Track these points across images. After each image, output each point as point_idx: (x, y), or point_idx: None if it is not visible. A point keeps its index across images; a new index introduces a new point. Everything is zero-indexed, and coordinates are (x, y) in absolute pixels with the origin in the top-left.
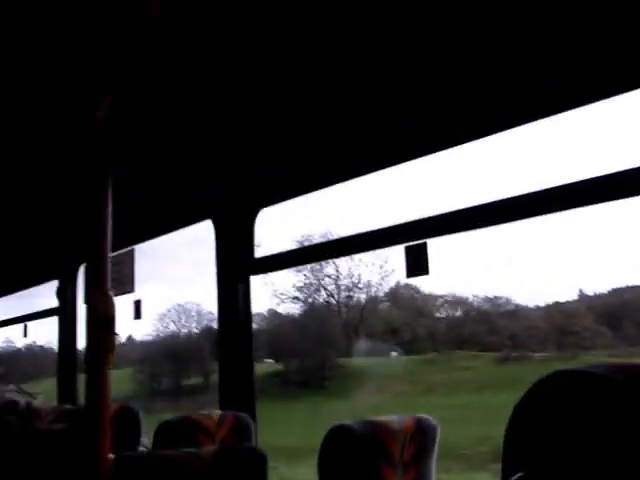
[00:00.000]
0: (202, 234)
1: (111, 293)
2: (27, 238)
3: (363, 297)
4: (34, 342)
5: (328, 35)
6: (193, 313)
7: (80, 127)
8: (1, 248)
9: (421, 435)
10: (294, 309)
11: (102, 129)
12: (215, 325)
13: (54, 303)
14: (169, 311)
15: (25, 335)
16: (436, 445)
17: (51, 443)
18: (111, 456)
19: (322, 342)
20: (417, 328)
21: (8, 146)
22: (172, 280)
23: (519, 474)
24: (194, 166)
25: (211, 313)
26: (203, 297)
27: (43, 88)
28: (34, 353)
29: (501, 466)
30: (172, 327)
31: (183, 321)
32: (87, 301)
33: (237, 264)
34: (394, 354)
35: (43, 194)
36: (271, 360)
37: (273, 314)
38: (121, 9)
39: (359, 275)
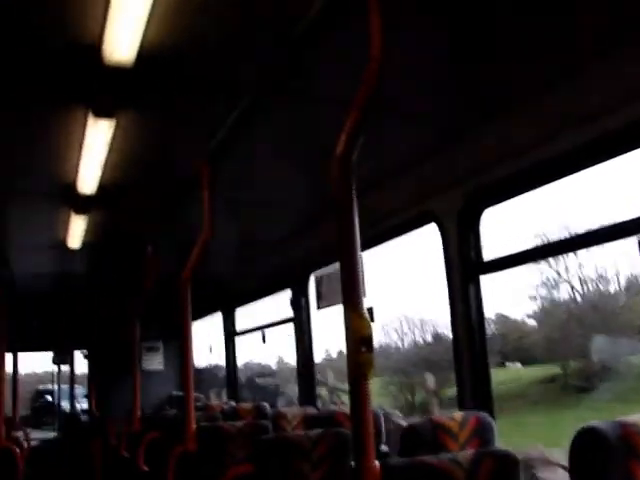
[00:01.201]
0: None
1: (366, 314)
2: (267, 253)
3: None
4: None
5: None
6: (416, 321)
7: None
8: (245, 262)
9: None
10: (530, 309)
11: None
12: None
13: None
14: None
15: (264, 341)
16: None
17: (304, 448)
18: (377, 463)
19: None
20: None
21: None
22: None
23: None
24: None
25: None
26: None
27: None
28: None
29: None
30: (394, 336)
31: (406, 330)
32: (345, 321)
33: (466, 265)
34: None
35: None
36: (515, 364)
37: (500, 317)
38: None
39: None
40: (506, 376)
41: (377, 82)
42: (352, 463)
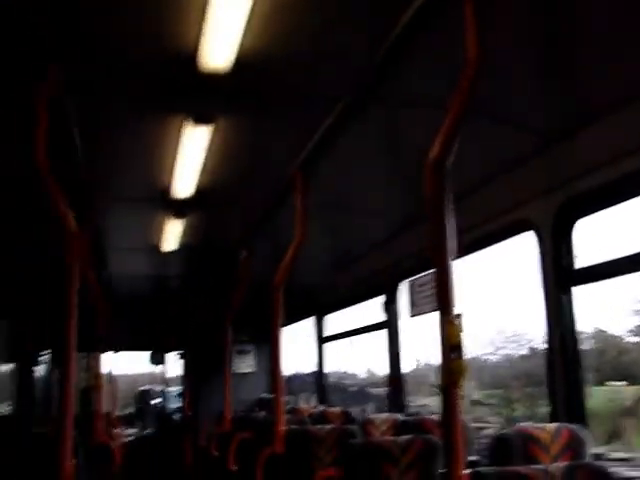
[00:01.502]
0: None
1: (457, 322)
2: (359, 259)
3: None
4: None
5: None
6: (509, 334)
7: None
8: (337, 269)
9: None
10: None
11: None
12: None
13: None
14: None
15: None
16: None
17: (393, 454)
18: (466, 472)
19: None
20: None
21: None
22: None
23: None
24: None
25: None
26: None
27: None
28: None
29: None
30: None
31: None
32: (441, 329)
33: (560, 275)
34: None
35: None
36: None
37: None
38: None
39: None
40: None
41: (473, 85)
42: (441, 471)
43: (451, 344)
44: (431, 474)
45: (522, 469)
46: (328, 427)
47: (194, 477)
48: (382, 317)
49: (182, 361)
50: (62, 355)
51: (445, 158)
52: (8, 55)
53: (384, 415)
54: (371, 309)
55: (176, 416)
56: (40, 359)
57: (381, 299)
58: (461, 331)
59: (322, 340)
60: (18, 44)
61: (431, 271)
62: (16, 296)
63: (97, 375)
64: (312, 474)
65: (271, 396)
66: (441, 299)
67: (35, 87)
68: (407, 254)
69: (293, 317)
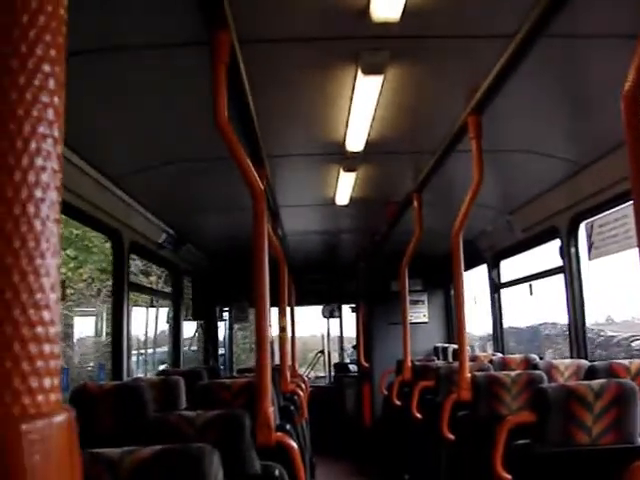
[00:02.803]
0: None
1: None
2: (532, 202)
3: None
4: None
5: None
6: None
7: None
8: (511, 213)
9: None
10: None
11: None
12: None
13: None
14: None
15: (531, 294)
16: None
17: (587, 399)
18: None
19: None
20: None
21: None
22: None
23: None
24: None
25: None
26: None
27: None
28: None
29: None
30: None
31: None
32: None
33: None
34: None
35: (553, 160)
36: None
37: None
38: None
39: None
40: None
41: None
42: None
43: None
44: (627, 419)
45: None
46: (514, 373)
47: (378, 425)
48: (560, 261)
49: (354, 314)
50: (256, 311)
51: None
52: (186, 22)
53: (567, 361)
54: (549, 254)
55: (352, 367)
56: (223, 316)
57: (558, 242)
58: None
59: (497, 287)
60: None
61: (614, 210)
62: (203, 258)
63: (282, 328)
64: (501, 420)
65: (446, 345)
66: None
67: (215, 47)
68: (585, 195)
69: (467, 264)
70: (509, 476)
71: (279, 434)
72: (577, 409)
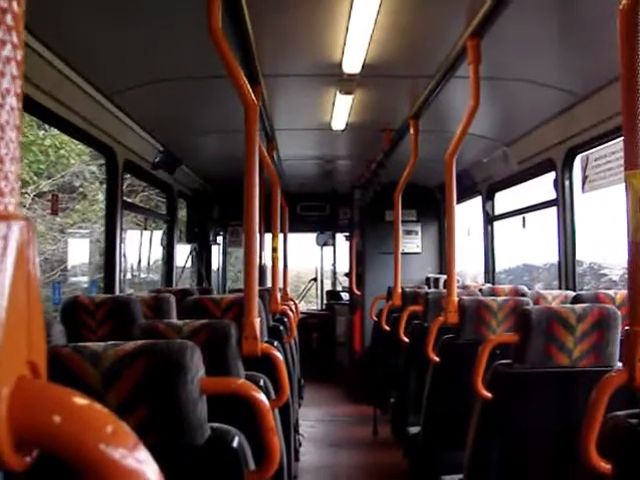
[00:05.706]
0: None
1: None
2: (528, 133)
3: None
4: None
5: None
6: None
7: None
8: (507, 144)
9: None
10: None
11: None
12: None
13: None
14: None
15: (524, 226)
16: None
17: (569, 321)
18: None
19: None
20: None
21: None
22: None
23: None
24: None
25: None
26: None
27: None
28: None
29: None
30: None
31: None
32: (628, 186)
33: None
34: None
35: (550, 90)
36: None
37: None
38: None
39: None
40: None
41: None
42: (627, 328)
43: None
44: (607, 344)
45: None
46: (501, 298)
47: (367, 351)
48: (553, 194)
49: (347, 243)
50: (245, 228)
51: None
52: None
53: (556, 291)
54: (544, 186)
55: (344, 294)
56: (217, 240)
57: (553, 175)
58: None
59: (490, 219)
60: None
61: (609, 144)
62: (197, 181)
63: (274, 249)
64: (485, 340)
65: (438, 276)
66: (629, 154)
67: None
68: (581, 127)
69: (461, 194)
70: (489, 394)
71: (265, 345)
72: (559, 331)
